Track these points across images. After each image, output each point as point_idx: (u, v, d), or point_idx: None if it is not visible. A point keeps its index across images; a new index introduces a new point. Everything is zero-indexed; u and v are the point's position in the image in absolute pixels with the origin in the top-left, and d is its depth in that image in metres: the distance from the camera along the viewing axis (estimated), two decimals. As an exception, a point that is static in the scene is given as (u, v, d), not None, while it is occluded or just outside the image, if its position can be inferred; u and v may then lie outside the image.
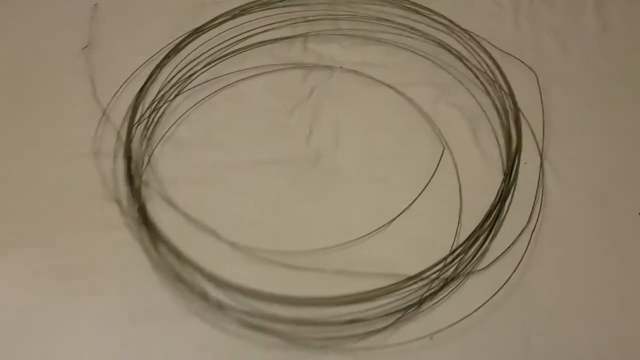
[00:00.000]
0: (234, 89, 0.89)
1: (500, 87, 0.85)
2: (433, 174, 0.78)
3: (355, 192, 0.79)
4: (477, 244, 0.73)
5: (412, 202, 0.76)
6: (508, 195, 0.76)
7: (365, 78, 0.89)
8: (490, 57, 0.88)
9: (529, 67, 0.87)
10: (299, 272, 0.71)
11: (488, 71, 0.87)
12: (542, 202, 0.75)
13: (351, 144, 0.83)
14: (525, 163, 0.79)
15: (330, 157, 0.82)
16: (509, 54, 0.88)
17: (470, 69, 0.88)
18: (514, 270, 0.69)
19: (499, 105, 0.84)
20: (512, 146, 0.80)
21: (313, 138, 0.84)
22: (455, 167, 0.79)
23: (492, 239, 0.73)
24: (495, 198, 0.76)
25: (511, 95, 0.84)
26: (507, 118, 0.82)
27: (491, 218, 0.75)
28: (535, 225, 0.73)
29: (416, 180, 0.79)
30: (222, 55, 0.93)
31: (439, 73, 0.89)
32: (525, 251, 0.71)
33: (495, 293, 0.68)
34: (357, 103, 0.87)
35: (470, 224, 0.74)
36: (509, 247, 0.72)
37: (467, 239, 0.73)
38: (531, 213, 0.74)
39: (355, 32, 0.95)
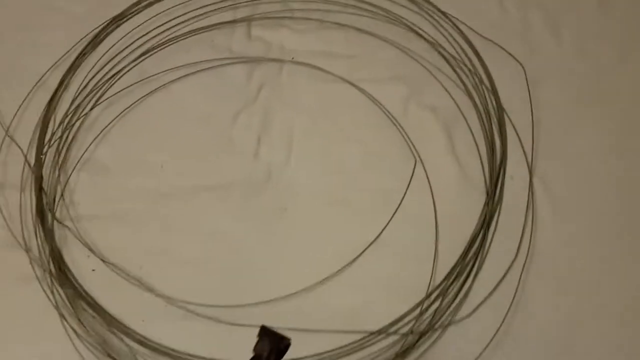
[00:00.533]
0: (165, 93, 0.74)
1: (481, 82, 0.72)
2: (403, 197, 0.66)
3: (313, 221, 0.66)
4: (458, 283, 0.62)
5: (379, 234, 0.64)
6: (492, 220, 0.64)
7: (322, 73, 0.75)
8: (471, 46, 0.74)
9: (515, 58, 0.72)
10: (248, 330, 0.59)
11: (468, 63, 0.73)
12: (533, 228, 0.63)
13: (307, 158, 0.70)
14: (512, 177, 0.66)
15: (283, 175, 0.69)
16: (492, 42, 0.74)
17: (447, 60, 0.74)
18: (503, 320, 0.58)
19: (480, 106, 0.70)
20: (496, 157, 0.67)
21: (262, 152, 0.70)
22: (430, 184, 0.67)
23: (475, 276, 0.62)
24: (477, 224, 0.64)
25: (494, 92, 0.71)
26: (490, 121, 0.69)
27: (473, 249, 0.63)
28: (525, 259, 0.62)
29: (383, 202, 0.66)
30: (148, 49, 0.77)
31: (409, 65, 0.74)
32: (516, 292, 0.60)
33: (484, 350, 0.57)
34: (312, 105, 0.73)
35: (448, 258, 0.63)
36: (495, 286, 0.61)
37: (445, 278, 0.62)
38: (520, 242, 0.63)
39: (309, 13, 0.80)
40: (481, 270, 0.62)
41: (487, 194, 0.65)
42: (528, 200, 0.64)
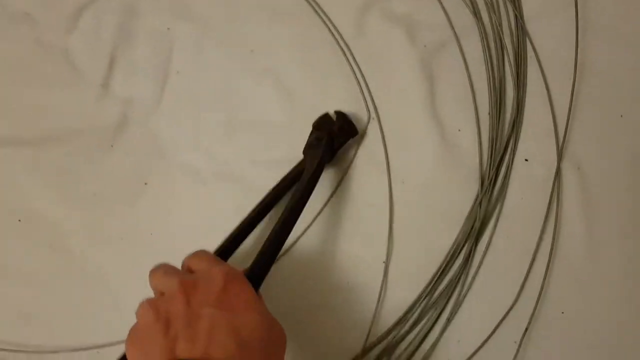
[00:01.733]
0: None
1: (494, -20, 0.42)
2: (341, 180, 0.39)
3: (189, 207, 0.40)
4: (417, 334, 0.37)
5: (296, 241, 0.38)
6: (485, 228, 0.38)
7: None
8: None
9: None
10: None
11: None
12: (553, 252, 0.37)
13: (191, 98, 0.42)
14: (526, 160, 0.39)
15: (147, 125, 0.42)
16: None
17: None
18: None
19: (487, 23, 0.41)
20: (504, 119, 0.40)
21: (114, 81, 0.42)
22: (387, 159, 0.40)
23: (446, 326, 0.37)
24: (459, 234, 0.38)
25: (516, 2, 0.41)
26: (501, 53, 0.40)
27: (448, 278, 0.37)
28: (535, 307, 0.36)
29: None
30: None
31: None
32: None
33: None
34: (211, 3, 0.44)
35: (405, 289, 0.37)
36: (479, 347, 0.36)
37: (397, 322, 0.37)
38: (527, 275, 0.37)
39: None
40: (455, 316, 0.37)
41: (482, 183, 0.38)
42: (550, 200, 0.38)
